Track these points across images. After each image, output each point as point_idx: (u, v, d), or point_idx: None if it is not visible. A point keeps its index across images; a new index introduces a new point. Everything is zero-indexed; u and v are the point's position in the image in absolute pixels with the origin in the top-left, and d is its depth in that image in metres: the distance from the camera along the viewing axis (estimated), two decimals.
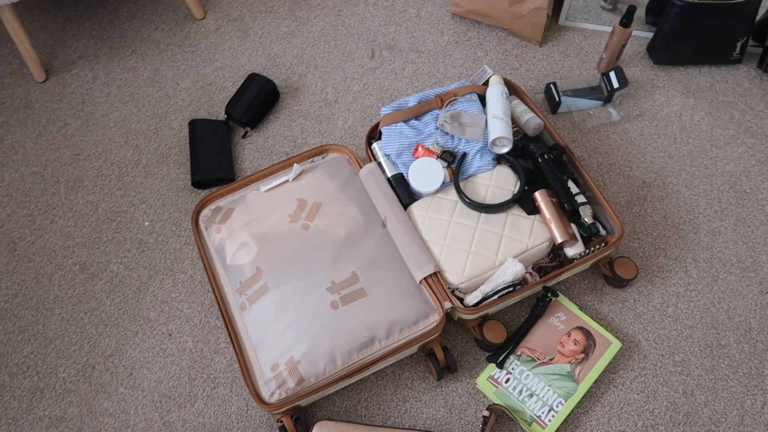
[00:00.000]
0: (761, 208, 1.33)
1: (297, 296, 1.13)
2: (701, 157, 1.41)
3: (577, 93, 1.48)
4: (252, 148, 1.46)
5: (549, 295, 1.20)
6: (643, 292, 1.24)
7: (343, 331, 1.10)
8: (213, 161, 1.41)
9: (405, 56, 1.59)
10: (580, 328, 1.18)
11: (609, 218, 1.21)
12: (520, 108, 1.35)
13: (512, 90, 1.39)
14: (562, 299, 1.22)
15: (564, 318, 1.20)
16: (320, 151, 1.34)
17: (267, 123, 1.49)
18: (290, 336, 1.10)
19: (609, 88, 1.45)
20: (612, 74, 1.44)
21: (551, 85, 1.47)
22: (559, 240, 1.16)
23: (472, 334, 1.19)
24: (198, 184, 1.40)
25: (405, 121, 1.30)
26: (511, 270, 1.13)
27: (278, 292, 1.14)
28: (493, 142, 1.25)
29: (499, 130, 1.24)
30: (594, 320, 1.19)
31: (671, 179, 1.38)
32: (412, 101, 1.32)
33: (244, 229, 1.23)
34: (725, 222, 1.32)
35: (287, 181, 1.29)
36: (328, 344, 1.09)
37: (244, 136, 1.47)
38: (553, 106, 1.47)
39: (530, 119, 1.32)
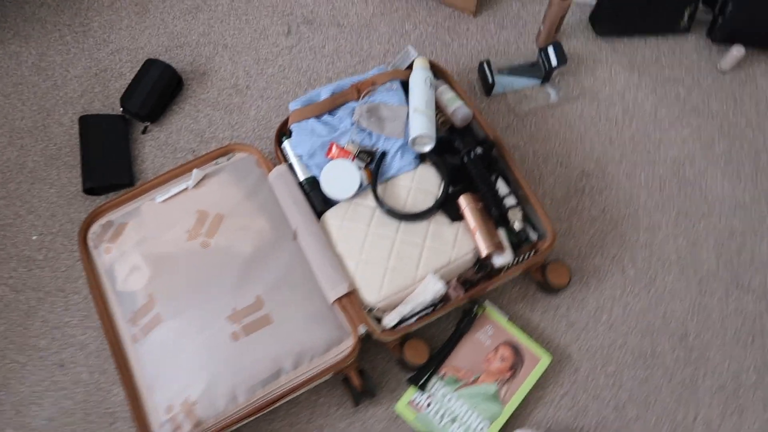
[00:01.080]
0: (704, 198, 1.24)
1: (194, 328, 1.02)
2: (644, 142, 1.30)
3: (514, 71, 1.35)
4: (153, 146, 1.30)
5: (475, 309, 1.11)
6: (577, 298, 1.16)
7: (244, 365, 1.00)
8: (108, 164, 1.26)
9: (325, 32, 1.43)
10: (508, 343, 1.10)
11: (541, 221, 1.11)
12: (448, 95, 1.21)
13: (439, 74, 1.25)
14: (491, 311, 1.13)
15: (492, 333, 1.11)
16: (225, 151, 1.20)
17: (170, 115, 1.33)
18: (186, 373, 1.00)
19: (547, 66, 1.31)
20: (550, 50, 1.31)
21: (484, 64, 1.33)
22: (484, 252, 1.06)
23: (393, 354, 1.10)
24: (91, 190, 1.25)
25: (317, 117, 1.16)
26: (431, 289, 1.03)
27: (173, 324, 1.03)
28: (414, 140, 1.12)
29: (419, 126, 1.11)
30: (524, 333, 1.11)
31: (611, 168, 1.27)
32: (324, 93, 1.17)
33: (136, 248, 1.09)
34: (666, 215, 1.23)
35: (186, 189, 1.15)
36: (228, 381, 0.99)
37: (144, 132, 1.31)
38: (487, 87, 1.33)
39: (458, 109, 1.19)
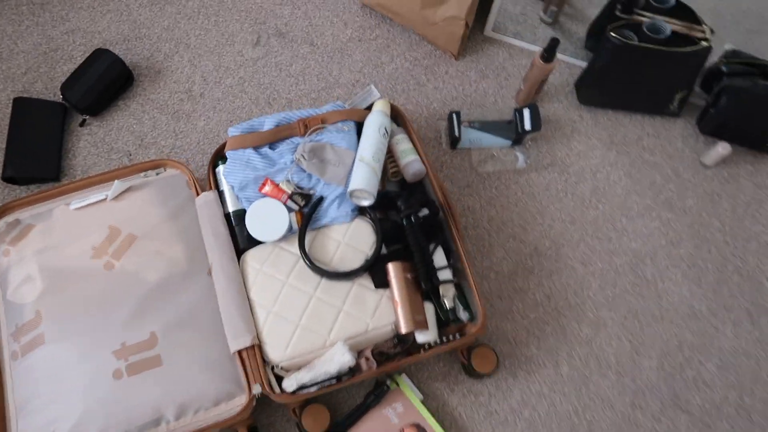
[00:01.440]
0: (658, 302, 1.16)
1: (76, 357, 0.94)
2: (607, 228, 1.21)
3: (486, 126, 1.26)
4: (89, 141, 1.22)
5: (388, 382, 1.03)
6: (501, 387, 1.08)
7: (122, 408, 0.91)
8: (35, 154, 1.17)
9: (296, 48, 1.33)
10: (416, 426, 1.02)
11: (475, 302, 1.02)
12: (404, 146, 1.12)
13: (400, 120, 1.16)
14: (404, 386, 1.04)
15: (401, 410, 1.03)
16: (155, 165, 1.11)
17: (113, 111, 1.24)
18: (59, 405, 0.91)
19: (520, 129, 1.22)
20: (526, 112, 1.22)
21: (453, 115, 1.24)
22: (403, 330, 0.97)
23: (292, 417, 1.02)
24: (11, 179, 1.16)
25: (255, 148, 1.07)
26: (338, 360, 0.94)
27: (55, 348, 0.94)
28: (352, 192, 1.04)
29: (359, 179, 1.02)
30: (434, 417, 1.03)
31: (566, 250, 1.19)
32: (268, 123, 1.08)
33: (35, 257, 1.01)
34: (614, 313, 1.14)
35: (105, 199, 1.06)
36: (100, 422, 0.90)
37: (81, 125, 1.23)
38: (453, 139, 1.24)
39: (411, 163, 1.10)
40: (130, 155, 1.21)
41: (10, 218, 1.06)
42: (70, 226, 1.04)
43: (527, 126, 1.21)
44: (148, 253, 1.02)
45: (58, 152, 1.19)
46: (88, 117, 1.23)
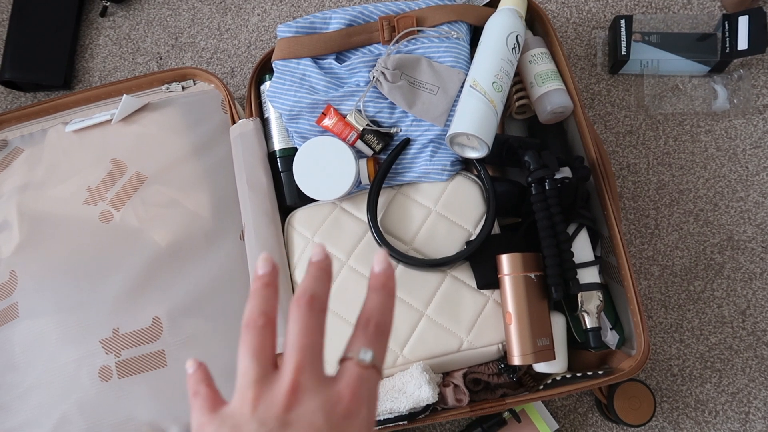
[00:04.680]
0: None
1: (54, 342, 0.68)
2: None
3: (670, 42, 0.82)
4: (111, 37, 0.92)
5: (505, 413, 0.70)
6: None
7: (109, 420, 0.66)
8: (41, 53, 0.89)
9: None
10: None
11: (632, 321, 0.65)
12: (542, 66, 0.72)
13: (539, 25, 0.75)
14: (532, 411, 0.71)
15: None
16: (181, 75, 0.79)
17: None
18: (32, 403, 0.67)
19: (727, 47, 0.78)
20: (741, 22, 0.77)
21: (621, 22, 0.81)
22: (517, 362, 0.62)
23: None
24: (12, 84, 0.90)
25: (315, 59, 0.72)
26: (412, 392, 0.62)
27: (30, 326, 0.69)
28: (454, 137, 0.67)
29: (468, 118, 0.65)
30: None
31: None
32: (336, 21, 0.71)
33: (16, 194, 0.74)
34: None
35: (109, 121, 0.77)
36: None
37: (102, 14, 0.92)
38: (616, 60, 0.82)
39: (551, 94, 0.71)
40: (161, 58, 0.90)
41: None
42: (62, 156, 0.76)
43: (741, 43, 0.77)
44: (160, 203, 0.72)
45: (70, 51, 0.90)
46: (110, 3, 0.92)
